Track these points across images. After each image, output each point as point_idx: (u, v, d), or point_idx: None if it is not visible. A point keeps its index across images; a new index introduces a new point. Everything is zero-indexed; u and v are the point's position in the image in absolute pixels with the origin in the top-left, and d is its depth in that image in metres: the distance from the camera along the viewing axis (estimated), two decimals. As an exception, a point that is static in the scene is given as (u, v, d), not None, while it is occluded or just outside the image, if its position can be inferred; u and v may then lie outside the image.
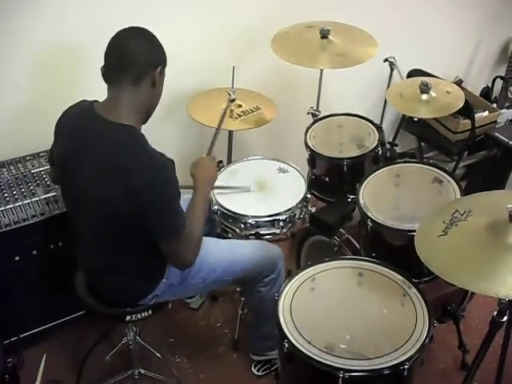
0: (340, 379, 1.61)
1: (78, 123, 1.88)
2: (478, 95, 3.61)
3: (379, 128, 2.60)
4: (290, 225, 2.32)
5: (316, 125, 2.66)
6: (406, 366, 1.63)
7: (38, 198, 2.33)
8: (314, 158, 2.52)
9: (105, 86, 1.84)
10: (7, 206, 2.28)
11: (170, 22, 2.58)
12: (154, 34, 1.86)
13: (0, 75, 2.37)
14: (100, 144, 1.79)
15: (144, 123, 1.91)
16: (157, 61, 1.83)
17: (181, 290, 2.10)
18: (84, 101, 1.92)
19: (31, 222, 2.24)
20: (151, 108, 1.91)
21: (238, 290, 2.77)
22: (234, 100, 2.56)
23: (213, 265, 2.11)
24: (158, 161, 1.76)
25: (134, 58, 1.77)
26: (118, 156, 1.75)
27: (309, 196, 2.39)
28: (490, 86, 3.72)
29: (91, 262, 2.01)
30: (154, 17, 2.52)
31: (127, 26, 1.82)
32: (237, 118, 2.51)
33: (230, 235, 2.42)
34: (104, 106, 1.84)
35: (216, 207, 2.32)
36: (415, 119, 2.60)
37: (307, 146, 2.53)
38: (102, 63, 1.81)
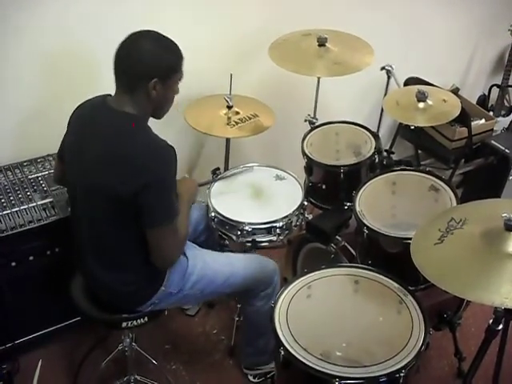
0: (336, 387, 1.61)
1: (85, 113, 1.92)
2: (475, 103, 3.63)
3: (376, 136, 2.61)
4: (286, 232, 2.31)
5: (313, 132, 2.67)
6: (402, 374, 1.63)
7: (35, 204, 2.33)
8: (310, 165, 2.53)
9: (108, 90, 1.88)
10: (4, 212, 2.28)
11: (169, 29, 2.58)
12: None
13: (0, 81, 2.38)
14: (101, 132, 1.83)
15: (156, 117, 1.93)
16: (152, 73, 1.80)
17: (178, 300, 2.10)
18: (100, 95, 1.94)
19: (28, 227, 2.24)
20: (157, 109, 1.92)
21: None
22: (231, 107, 2.57)
23: (211, 276, 2.12)
24: (159, 143, 1.81)
25: (129, 68, 1.81)
26: (118, 143, 1.79)
27: (305, 203, 2.39)
28: (487, 94, 3.74)
29: (93, 261, 2.00)
30: (152, 24, 2.54)
31: (140, 30, 1.85)
32: (234, 126, 2.51)
33: (227, 242, 2.42)
34: (113, 97, 1.88)
35: (213, 214, 2.32)
36: (412, 127, 2.61)
37: (304, 154, 2.54)
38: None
